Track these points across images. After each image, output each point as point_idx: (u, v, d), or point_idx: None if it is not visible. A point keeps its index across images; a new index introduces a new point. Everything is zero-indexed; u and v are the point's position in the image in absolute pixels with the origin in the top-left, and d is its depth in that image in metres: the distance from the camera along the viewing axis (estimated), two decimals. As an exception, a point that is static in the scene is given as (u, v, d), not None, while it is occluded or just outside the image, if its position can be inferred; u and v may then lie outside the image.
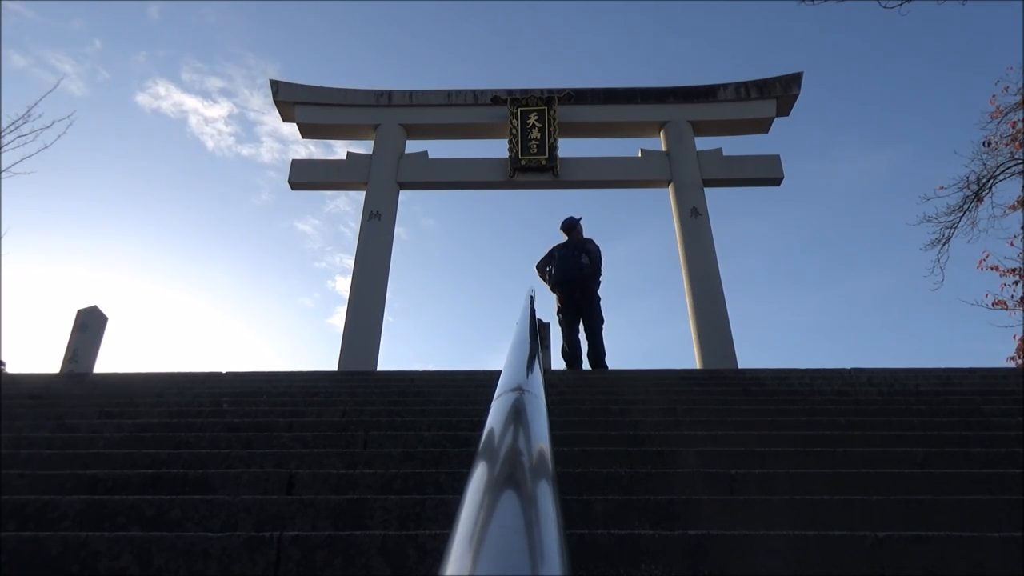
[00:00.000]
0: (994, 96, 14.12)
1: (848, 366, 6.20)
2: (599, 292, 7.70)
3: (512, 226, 47.05)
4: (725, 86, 11.88)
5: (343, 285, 45.63)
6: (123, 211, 38.72)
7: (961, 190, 13.89)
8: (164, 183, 37.59)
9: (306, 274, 48.08)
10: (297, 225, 43.68)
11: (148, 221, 38.88)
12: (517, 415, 0.98)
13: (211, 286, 48.32)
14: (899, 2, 8.82)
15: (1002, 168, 13.88)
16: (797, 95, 11.76)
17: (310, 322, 50.77)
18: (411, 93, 12.04)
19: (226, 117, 40.22)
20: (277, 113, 12.23)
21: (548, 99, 11.50)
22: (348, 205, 49.87)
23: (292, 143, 42.31)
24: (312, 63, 41.35)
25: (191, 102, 37.25)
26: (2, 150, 9.61)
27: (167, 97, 36.00)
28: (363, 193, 11.33)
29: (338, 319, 47.04)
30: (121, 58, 37.46)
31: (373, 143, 11.72)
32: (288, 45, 40.78)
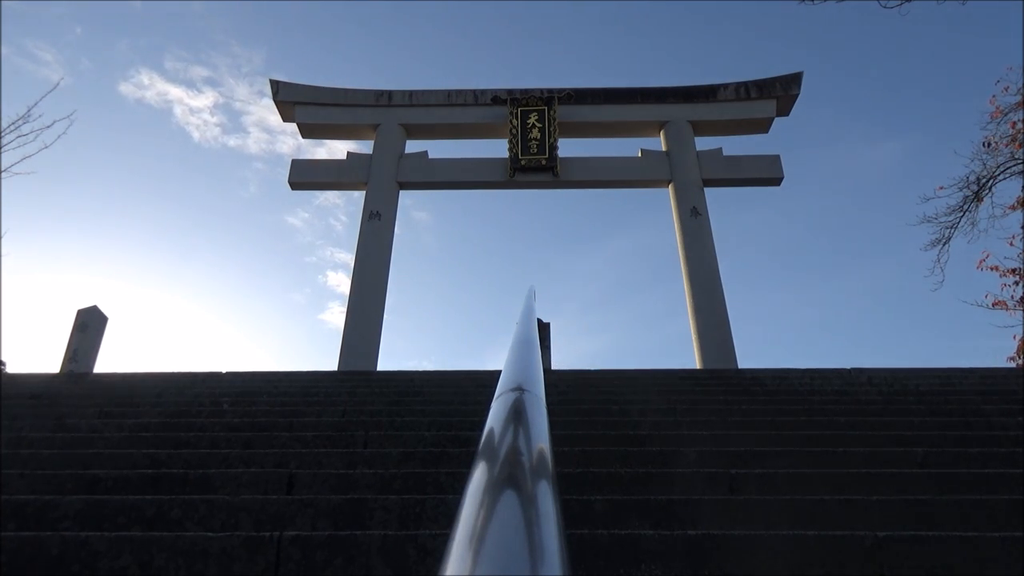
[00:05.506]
0: (994, 96, 14.12)
1: (849, 364, 6.21)
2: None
3: (509, 220, 46.76)
4: (725, 86, 11.88)
5: (335, 280, 45.32)
6: (112, 207, 38.17)
7: (961, 190, 13.89)
8: (151, 176, 37.02)
9: (297, 269, 47.26)
10: (287, 219, 43.13)
11: (137, 216, 38.33)
12: (517, 415, 0.98)
13: (201, 282, 47.71)
14: (899, 2, 8.81)
15: (1002, 168, 13.88)
16: (797, 95, 11.76)
17: (302, 318, 50.10)
18: (411, 93, 12.04)
19: (211, 107, 39.63)
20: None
21: (548, 99, 11.51)
22: (339, 198, 49.06)
23: (279, 134, 41.44)
24: (300, 52, 40.80)
25: (175, 92, 36.58)
26: (2, 150, 9.60)
27: (151, 87, 35.45)
28: (359, 190, 11.36)
29: (330, 315, 46.70)
30: (103, 46, 36.78)
31: (373, 143, 11.73)
32: (274, 33, 40.19)
